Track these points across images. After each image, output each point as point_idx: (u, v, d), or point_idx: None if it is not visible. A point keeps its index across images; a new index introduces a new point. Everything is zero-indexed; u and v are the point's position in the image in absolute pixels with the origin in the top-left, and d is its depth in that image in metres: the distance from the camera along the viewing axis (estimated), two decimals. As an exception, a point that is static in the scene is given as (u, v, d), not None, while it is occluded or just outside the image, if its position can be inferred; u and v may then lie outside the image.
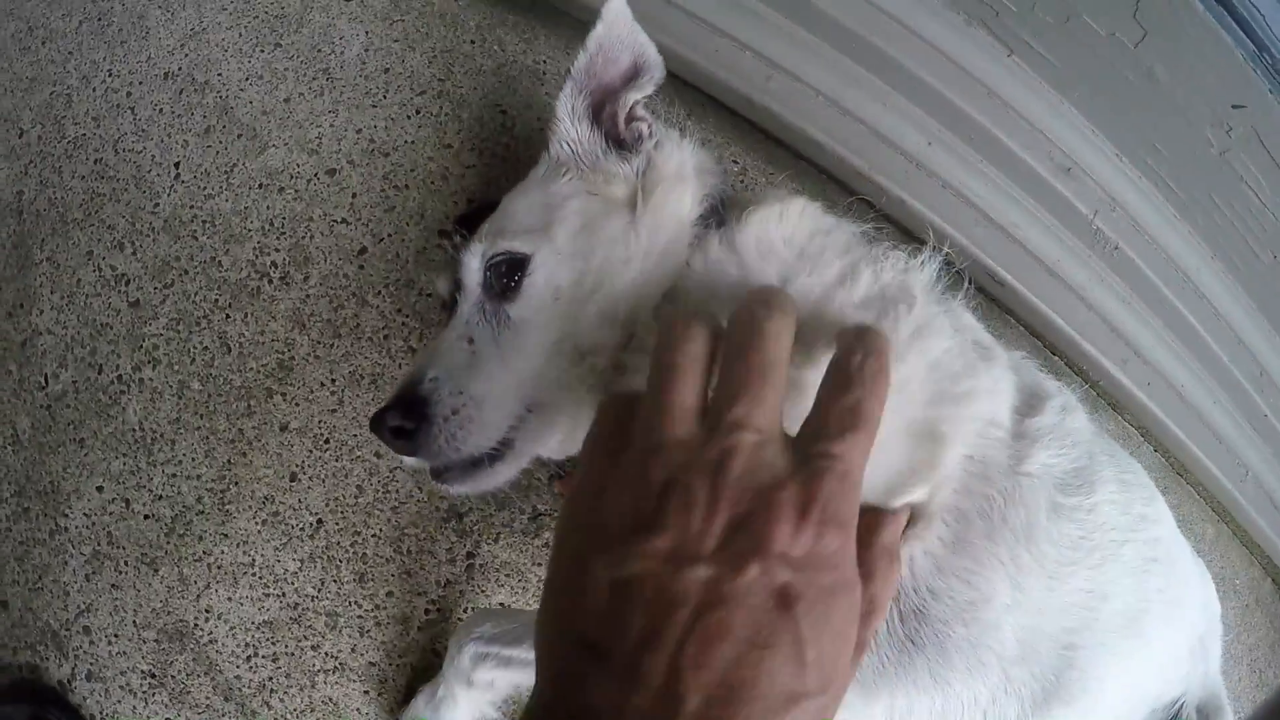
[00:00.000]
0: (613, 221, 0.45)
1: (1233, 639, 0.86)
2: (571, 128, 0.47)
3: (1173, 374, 0.67)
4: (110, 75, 0.67)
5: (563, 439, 0.46)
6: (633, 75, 0.47)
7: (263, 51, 0.65)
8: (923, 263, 0.44)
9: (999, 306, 0.63)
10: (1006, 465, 0.43)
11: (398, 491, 0.57)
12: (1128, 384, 0.65)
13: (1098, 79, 0.58)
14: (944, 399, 0.41)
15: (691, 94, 0.60)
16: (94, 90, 0.67)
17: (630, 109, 0.46)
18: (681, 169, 0.46)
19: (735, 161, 0.63)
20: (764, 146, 0.61)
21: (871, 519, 0.33)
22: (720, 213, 0.46)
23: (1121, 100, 0.59)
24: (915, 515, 0.41)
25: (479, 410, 0.42)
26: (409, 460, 0.43)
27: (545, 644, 0.28)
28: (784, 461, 0.27)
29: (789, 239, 0.44)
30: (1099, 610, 0.45)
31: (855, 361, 0.29)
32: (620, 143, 0.47)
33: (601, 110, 0.47)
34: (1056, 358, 0.68)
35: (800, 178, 0.62)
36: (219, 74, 0.65)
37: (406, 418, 0.42)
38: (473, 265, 0.45)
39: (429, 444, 0.42)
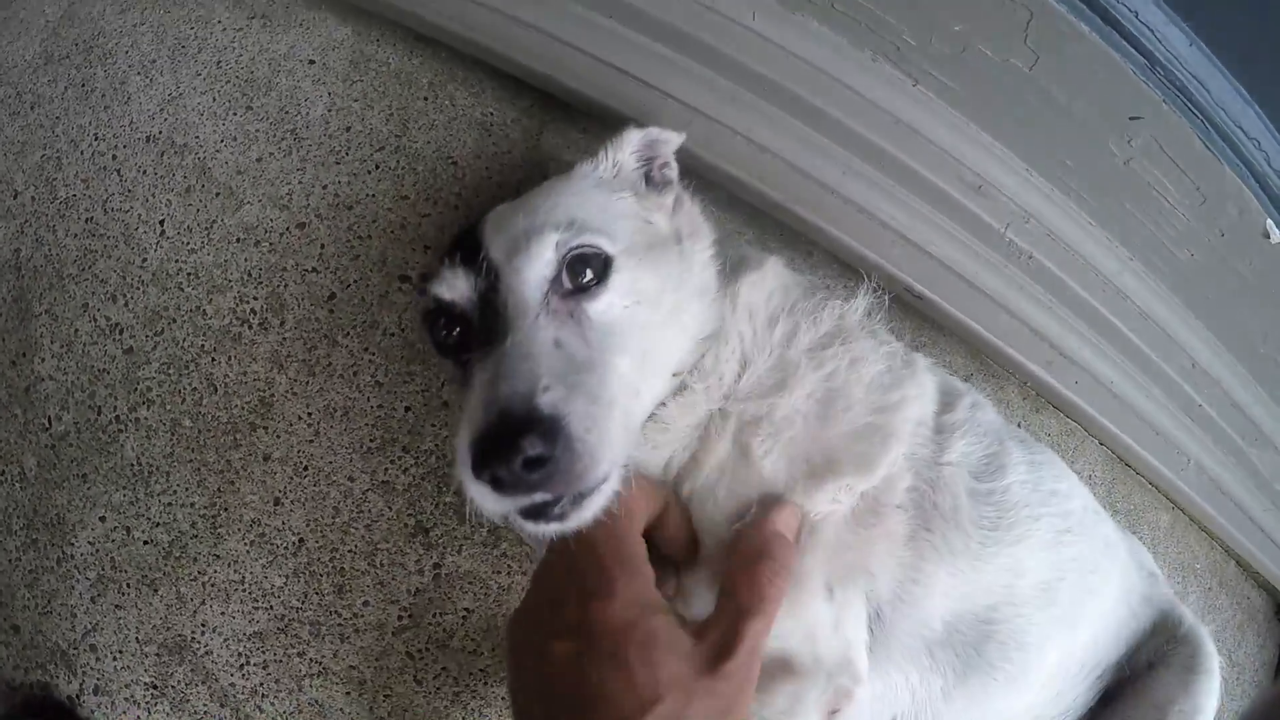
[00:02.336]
0: (670, 250, 0.52)
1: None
2: (629, 155, 0.56)
3: (1100, 372, 0.76)
4: (96, 139, 0.79)
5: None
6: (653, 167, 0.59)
7: (235, 114, 0.76)
8: (855, 305, 0.56)
9: (927, 319, 0.73)
10: (931, 458, 0.54)
11: (369, 511, 0.67)
12: (1054, 384, 0.74)
13: (999, 102, 0.68)
14: (883, 409, 0.52)
15: (625, 136, 0.71)
16: (82, 153, 0.79)
17: (664, 158, 0.58)
18: (703, 224, 0.58)
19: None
20: (697, 183, 0.71)
21: (742, 528, 0.44)
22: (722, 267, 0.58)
23: (1024, 119, 0.69)
24: (874, 509, 0.51)
25: (609, 421, 0.39)
26: (497, 507, 0.38)
27: None
28: (693, 675, 0.38)
29: (768, 298, 0.55)
30: (1016, 585, 0.54)
31: (748, 563, 0.43)
32: (651, 181, 0.58)
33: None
34: (992, 362, 0.77)
35: (731, 207, 0.72)
36: (196, 136, 0.76)
37: (546, 443, 0.36)
38: (545, 256, 0.44)
39: (570, 470, 0.36)
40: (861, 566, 0.50)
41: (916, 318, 0.75)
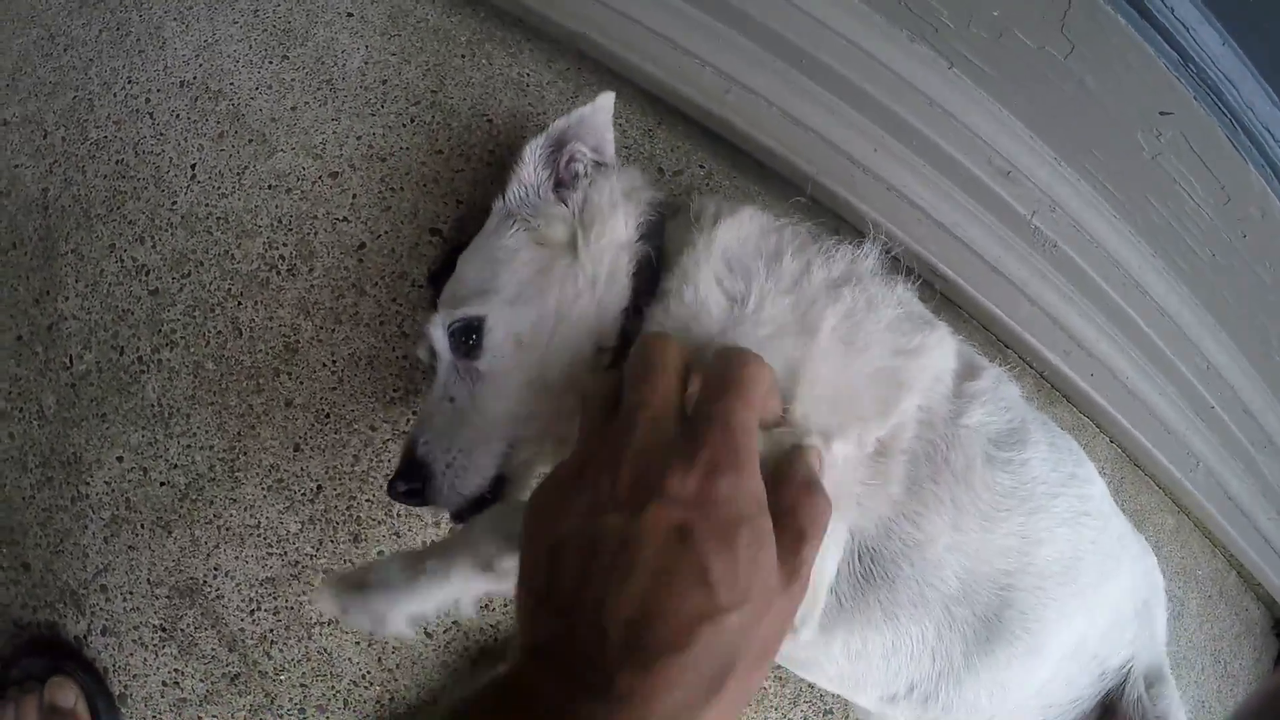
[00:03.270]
0: (559, 263, 0.55)
1: (1196, 629, 0.96)
2: (532, 172, 0.58)
3: (1116, 366, 0.78)
4: (130, 82, 0.80)
5: (554, 461, 0.57)
6: (594, 148, 0.59)
7: (271, 63, 0.78)
8: (865, 253, 0.56)
9: (945, 299, 0.75)
10: (948, 416, 0.54)
11: (389, 461, 0.69)
12: (1071, 374, 0.76)
13: (1033, 88, 0.70)
14: (901, 352, 0.52)
15: (660, 105, 0.72)
16: (115, 96, 0.80)
17: (574, 152, 0.58)
18: (613, 197, 0.57)
19: (702, 166, 0.75)
20: (728, 152, 0.73)
21: (784, 460, 0.42)
22: (661, 225, 0.58)
23: (1056, 108, 0.71)
24: (882, 451, 0.52)
25: (469, 458, 0.53)
26: (427, 510, 0.56)
27: (519, 608, 0.37)
28: (676, 429, 0.37)
29: (744, 240, 0.55)
30: (1033, 555, 0.54)
31: (720, 351, 0.41)
32: (560, 182, 0.58)
33: (555, 160, 0.59)
34: (1009, 350, 0.79)
35: (762, 180, 0.74)
36: (231, 83, 0.78)
37: (412, 480, 0.53)
38: (438, 335, 0.56)
39: (437, 494, 0.53)
40: (854, 499, 0.52)
41: (937, 299, 0.76)
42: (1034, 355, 0.76)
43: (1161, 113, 0.70)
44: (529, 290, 0.55)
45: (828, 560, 0.51)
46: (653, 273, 0.57)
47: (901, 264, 0.58)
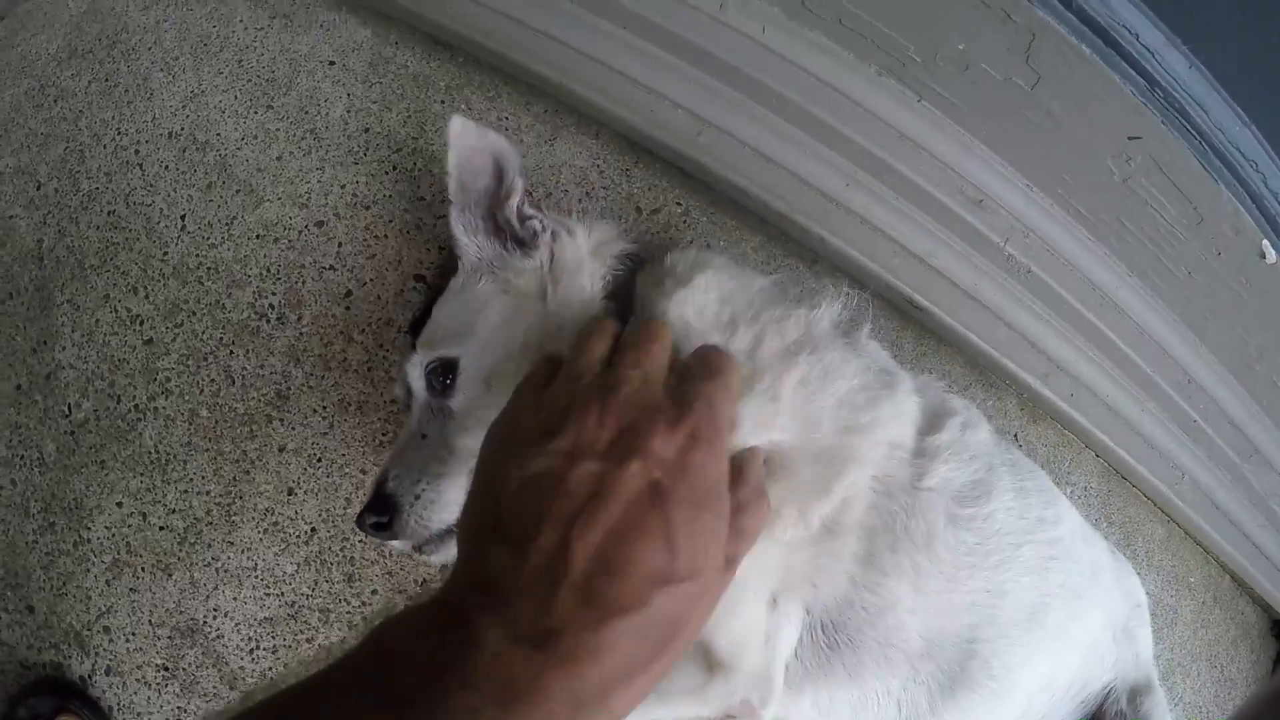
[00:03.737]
0: (528, 311, 0.57)
1: (1191, 635, 0.97)
2: (471, 243, 0.59)
3: (1097, 385, 0.79)
4: (119, 134, 0.83)
5: None
6: (499, 172, 0.59)
7: (256, 113, 0.80)
8: (821, 313, 0.56)
9: (927, 330, 0.76)
10: (908, 482, 0.55)
11: (380, 503, 0.71)
12: (1050, 396, 0.78)
13: (1001, 118, 0.71)
14: (852, 430, 0.53)
15: (637, 145, 0.74)
16: (105, 147, 0.83)
17: (519, 210, 0.58)
18: (578, 256, 0.59)
19: (679, 203, 0.76)
20: (704, 190, 0.75)
21: (737, 464, 0.42)
22: (631, 279, 0.59)
23: (1025, 136, 0.72)
24: (830, 529, 0.52)
25: (437, 492, 0.54)
26: (394, 544, 0.56)
27: (462, 537, 0.36)
28: (662, 396, 0.38)
29: (700, 311, 0.55)
30: (999, 607, 0.56)
31: (706, 347, 0.43)
32: (521, 241, 0.59)
33: (496, 216, 0.59)
34: (990, 373, 0.81)
35: (739, 215, 0.76)
36: (218, 134, 0.80)
37: (380, 514, 0.54)
38: (415, 374, 0.58)
39: (403, 529, 0.54)
40: (808, 580, 0.53)
41: (917, 328, 0.78)
42: (1013, 379, 0.77)
43: (1130, 137, 0.71)
44: (499, 335, 0.57)
45: (782, 639, 0.52)
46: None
47: (867, 309, 0.59)
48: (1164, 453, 0.84)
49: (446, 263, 0.74)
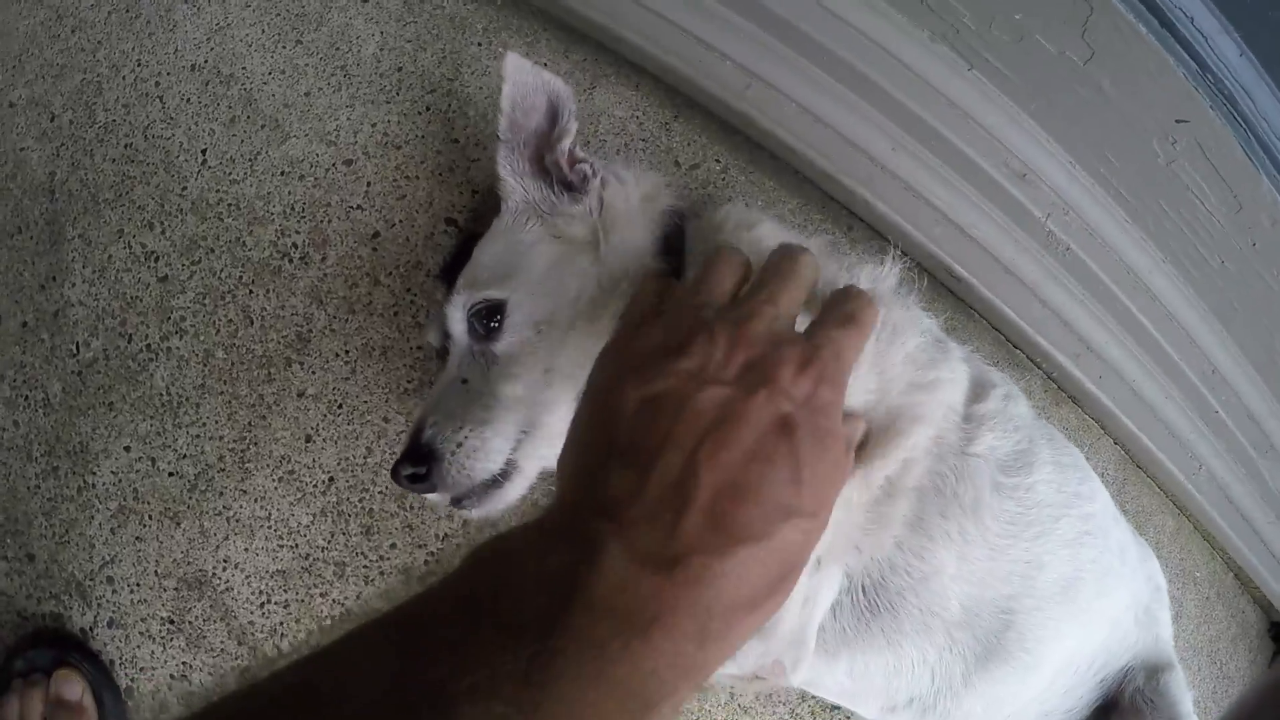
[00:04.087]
0: (579, 259, 0.55)
1: (1193, 630, 0.97)
2: (518, 184, 0.57)
3: (1125, 369, 0.79)
4: (139, 65, 0.79)
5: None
6: (553, 113, 0.56)
7: (284, 47, 0.77)
8: (887, 271, 0.56)
9: (959, 300, 0.75)
10: (958, 446, 0.54)
11: (403, 454, 0.69)
12: (1080, 377, 0.77)
13: (1051, 92, 0.70)
14: (918, 387, 0.52)
15: (679, 98, 0.72)
16: (123, 79, 0.79)
17: (570, 154, 0.56)
18: (629, 203, 0.57)
19: (718, 161, 0.75)
20: (745, 147, 0.73)
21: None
22: (681, 227, 0.58)
23: (1074, 112, 0.71)
24: (889, 490, 0.52)
25: (481, 439, 0.51)
26: (431, 496, 0.53)
27: (572, 458, 0.35)
28: (794, 334, 0.37)
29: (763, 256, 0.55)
30: (1035, 578, 0.56)
31: (853, 290, 0.41)
32: (569, 185, 0.57)
33: (543, 159, 0.57)
34: (1018, 351, 0.80)
35: (778, 175, 0.74)
36: (243, 68, 0.77)
37: (418, 464, 0.51)
38: (457, 315, 0.55)
39: (443, 479, 0.51)
40: (852, 543, 0.52)
41: (949, 300, 0.77)
42: (1044, 357, 0.77)
43: (1178, 120, 0.70)
44: (549, 281, 0.55)
45: (820, 602, 0.51)
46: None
47: (915, 276, 0.58)
48: (1184, 441, 0.84)
49: (480, 207, 0.72)
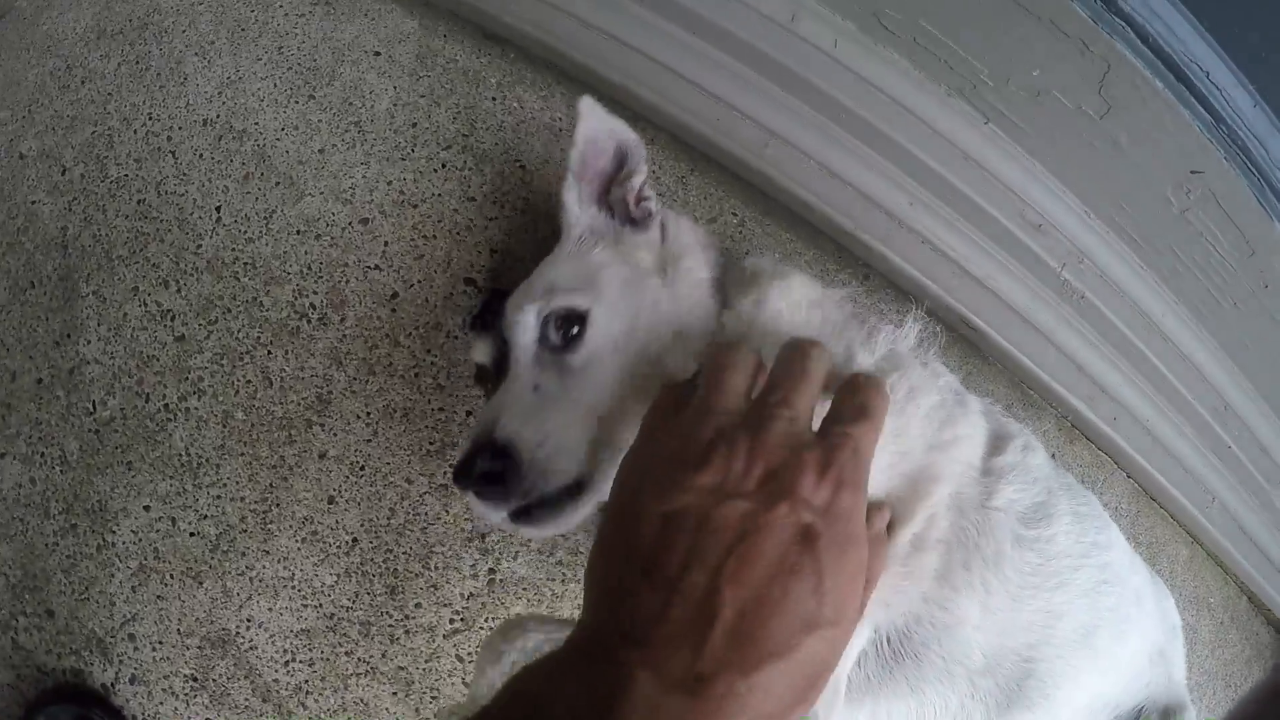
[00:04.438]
0: (649, 284, 0.56)
1: (1208, 654, 0.99)
2: (582, 213, 0.58)
3: (1138, 410, 0.80)
4: (150, 119, 0.79)
5: None
6: (620, 157, 0.58)
7: (297, 103, 0.77)
8: (906, 332, 0.57)
9: (974, 349, 0.76)
10: (978, 500, 0.55)
11: (426, 514, 0.69)
12: (1094, 419, 0.78)
13: (1067, 145, 0.71)
14: (935, 447, 0.53)
15: (694, 151, 0.72)
16: (135, 132, 0.79)
17: (639, 191, 0.58)
18: (695, 240, 0.59)
19: (734, 214, 0.75)
20: (761, 200, 0.73)
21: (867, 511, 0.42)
22: (722, 278, 0.59)
23: (1089, 164, 0.72)
24: (917, 545, 0.52)
25: (566, 439, 0.49)
26: (485, 511, 0.49)
27: (598, 572, 0.35)
28: (811, 436, 0.37)
29: (793, 307, 0.55)
30: (1055, 627, 0.57)
31: (861, 379, 0.41)
32: (632, 220, 0.59)
33: (606, 194, 0.59)
34: (1033, 392, 0.81)
35: (794, 227, 0.74)
36: (256, 123, 0.77)
37: (494, 460, 0.47)
38: (529, 321, 0.53)
39: (520, 481, 0.48)
40: (882, 599, 0.52)
41: (963, 345, 0.78)
42: (1059, 401, 0.78)
43: (1192, 171, 0.71)
44: (626, 299, 0.55)
45: (848, 659, 0.52)
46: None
47: (936, 330, 0.59)
48: (1197, 476, 0.85)
49: (498, 266, 0.72)
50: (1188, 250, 0.75)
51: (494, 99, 0.76)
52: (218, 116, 0.78)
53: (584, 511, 0.50)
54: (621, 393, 0.53)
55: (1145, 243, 0.75)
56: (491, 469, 0.47)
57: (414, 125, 0.75)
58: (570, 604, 0.68)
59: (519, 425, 0.49)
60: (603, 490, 0.51)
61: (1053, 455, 0.85)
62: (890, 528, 0.51)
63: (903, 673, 0.54)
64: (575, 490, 0.50)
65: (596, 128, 0.57)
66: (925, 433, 0.53)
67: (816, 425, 0.39)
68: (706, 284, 0.58)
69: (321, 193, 0.74)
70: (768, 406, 0.37)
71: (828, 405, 0.40)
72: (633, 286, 0.56)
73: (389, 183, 0.74)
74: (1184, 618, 0.96)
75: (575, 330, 0.53)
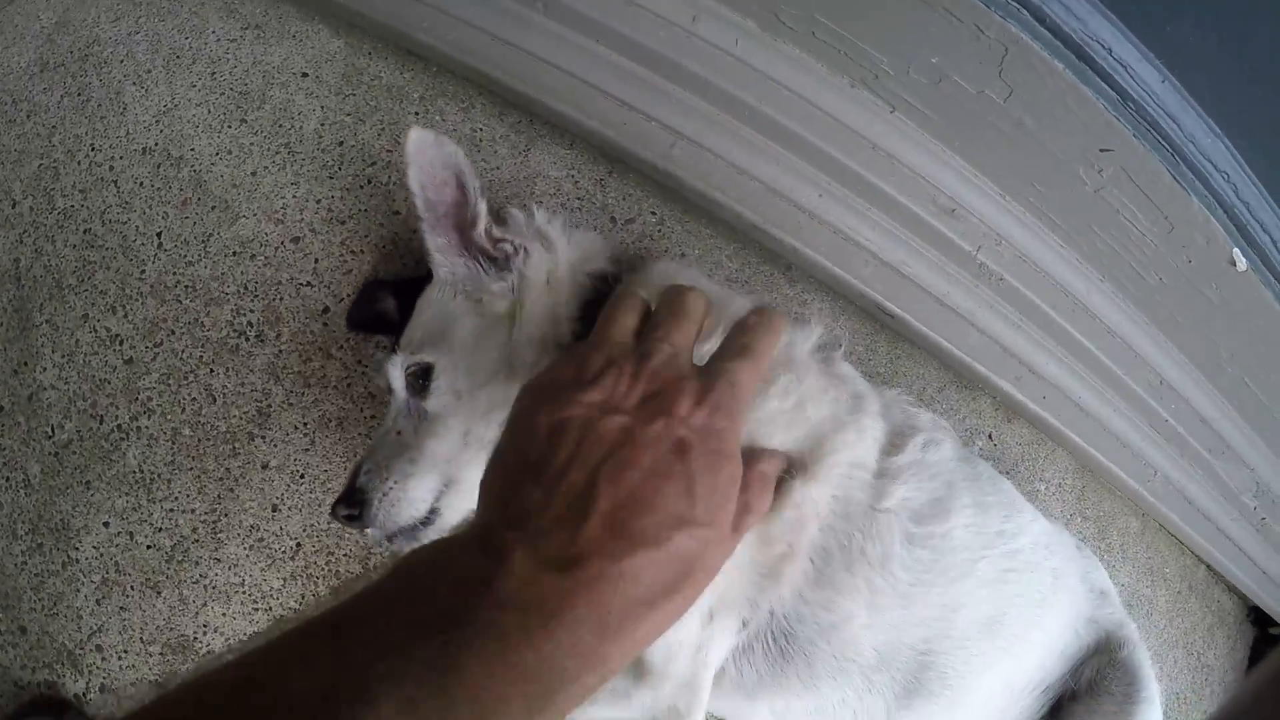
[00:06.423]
0: (495, 334, 0.60)
1: (1165, 625, 1.00)
2: (444, 260, 0.61)
3: (1068, 388, 0.81)
4: (93, 150, 0.83)
5: None
6: (462, 187, 0.60)
7: (230, 127, 0.80)
8: (807, 334, 0.59)
9: (896, 334, 0.78)
10: (867, 504, 0.57)
11: (364, 519, 0.73)
12: (1023, 399, 0.79)
13: (974, 130, 0.72)
14: (819, 450, 0.55)
15: (612, 154, 0.75)
16: (79, 164, 0.83)
17: (489, 234, 0.60)
18: (553, 274, 0.60)
19: (654, 213, 0.77)
20: (679, 198, 0.76)
21: (755, 450, 0.47)
22: (605, 290, 0.60)
23: (998, 147, 0.73)
24: (785, 555, 0.54)
25: (404, 490, 0.58)
26: (368, 532, 0.59)
27: (492, 477, 0.39)
28: (691, 368, 0.41)
29: None
30: (954, 620, 0.58)
31: (750, 320, 0.45)
32: (494, 260, 0.60)
33: (468, 231, 0.60)
34: (961, 376, 0.82)
35: (713, 223, 0.77)
36: (192, 149, 0.80)
37: (350, 506, 0.58)
38: (396, 373, 0.60)
39: (372, 521, 0.58)
40: (747, 599, 0.55)
41: (891, 333, 0.79)
42: (985, 383, 0.79)
43: (1102, 149, 0.72)
44: (471, 352, 0.60)
45: (713, 652, 0.54)
46: None
47: (843, 332, 0.61)
48: (1136, 451, 0.86)
49: (386, 258, 0.75)
50: (1106, 228, 0.76)
51: (417, 113, 0.78)
52: (156, 144, 0.81)
53: (439, 534, 0.59)
54: (465, 441, 0.59)
55: (1063, 222, 0.76)
56: (349, 513, 0.58)
57: (340, 144, 0.78)
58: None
59: (372, 474, 0.58)
60: (451, 521, 0.59)
61: (989, 435, 0.88)
62: (785, 481, 0.53)
63: (793, 670, 0.56)
64: (426, 522, 0.59)
65: (429, 160, 0.59)
66: (809, 439, 0.55)
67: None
68: (559, 319, 0.60)
69: (255, 214, 0.77)
70: (651, 341, 0.42)
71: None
72: (480, 340, 0.59)
73: (318, 201, 0.77)
74: (1140, 589, 0.98)
75: (426, 381, 0.59)
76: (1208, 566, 1.03)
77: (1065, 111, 0.70)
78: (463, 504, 0.60)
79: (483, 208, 0.59)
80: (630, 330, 0.44)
